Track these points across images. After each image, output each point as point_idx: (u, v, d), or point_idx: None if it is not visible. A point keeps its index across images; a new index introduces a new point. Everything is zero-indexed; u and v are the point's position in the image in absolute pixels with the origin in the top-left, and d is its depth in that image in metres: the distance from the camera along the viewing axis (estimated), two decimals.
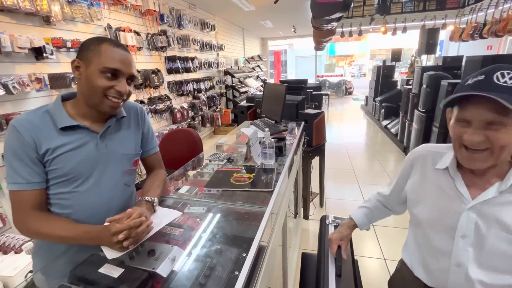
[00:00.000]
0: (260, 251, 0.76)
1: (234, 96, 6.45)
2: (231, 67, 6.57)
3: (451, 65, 4.08)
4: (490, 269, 0.68)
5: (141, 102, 3.33)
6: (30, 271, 1.80)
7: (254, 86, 7.23)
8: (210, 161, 1.40)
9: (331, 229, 1.22)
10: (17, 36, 1.85)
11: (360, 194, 2.99)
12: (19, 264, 1.75)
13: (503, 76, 0.58)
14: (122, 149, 0.90)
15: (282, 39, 11.35)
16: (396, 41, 10.30)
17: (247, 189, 1.05)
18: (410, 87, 4.08)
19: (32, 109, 0.83)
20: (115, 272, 0.67)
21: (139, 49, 3.19)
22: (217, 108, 5.79)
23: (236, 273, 0.66)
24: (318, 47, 7.22)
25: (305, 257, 1.39)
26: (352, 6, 6.27)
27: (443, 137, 3.00)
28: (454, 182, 0.72)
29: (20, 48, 1.87)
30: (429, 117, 3.32)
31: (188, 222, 0.89)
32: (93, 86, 0.77)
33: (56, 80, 2.19)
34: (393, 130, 5.00)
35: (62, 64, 2.32)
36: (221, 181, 1.10)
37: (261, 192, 1.03)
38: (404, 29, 6.84)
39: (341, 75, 12.56)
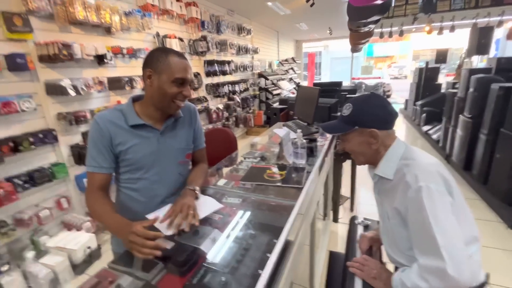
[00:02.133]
0: (289, 242, 0.85)
1: (267, 98, 6.57)
2: (265, 69, 6.71)
3: (506, 67, 3.71)
4: (389, 242, 0.91)
5: None
6: (88, 247, 2.10)
7: (287, 89, 7.28)
8: (244, 158, 1.52)
9: (360, 229, 1.25)
10: (85, 45, 2.17)
11: None
12: (80, 240, 2.04)
13: (345, 108, 0.93)
14: (176, 144, 1.06)
15: (317, 41, 11.20)
16: (443, 41, 9.55)
17: (279, 184, 1.14)
18: (456, 90, 3.80)
19: (94, 107, 1.05)
20: (168, 245, 0.81)
21: None
22: (250, 109, 5.96)
23: (268, 255, 0.75)
24: (355, 48, 7.02)
25: (332, 256, 1.43)
26: (393, 5, 5.98)
27: (492, 146, 2.77)
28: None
29: (87, 55, 2.19)
30: (476, 123, 3.07)
31: (226, 210, 1.01)
32: (165, 93, 0.92)
33: (114, 83, 2.50)
34: (434, 137, 4.68)
35: (118, 68, 2.64)
36: (255, 176, 1.21)
37: (291, 188, 1.11)
38: (452, 28, 6.33)
39: (379, 78, 11.98)
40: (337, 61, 16.31)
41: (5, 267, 1.75)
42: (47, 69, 2.03)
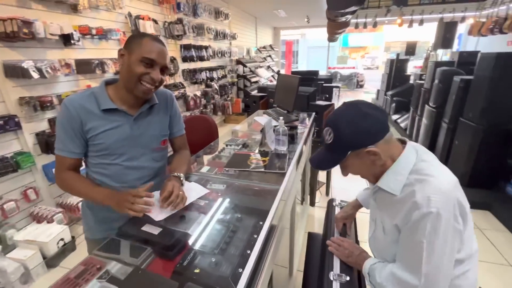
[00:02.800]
0: (273, 226, 0.89)
1: (245, 86, 6.52)
2: (243, 56, 6.61)
3: (467, 61, 4.02)
4: (377, 250, 0.90)
5: None
6: (61, 239, 2.01)
7: (265, 76, 7.26)
8: (226, 145, 1.52)
9: (337, 210, 1.33)
10: (49, 23, 1.98)
11: (366, 185, 3.08)
12: (52, 232, 1.95)
13: (326, 133, 0.80)
14: (151, 131, 1.03)
15: (294, 29, 11.19)
16: (413, 34, 10.03)
17: (262, 170, 1.17)
18: (423, 82, 4.06)
19: (61, 92, 1.00)
20: (155, 230, 0.81)
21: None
22: (228, 97, 5.89)
23: (255, 236, 0.79)
24: (332, 38, 7.15)
25: (311, 236, 1.52)
26: None
27: (452, 133, 3.03)
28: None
29: (51, 34, 2.01)
30: (439, 113, 3.34)
31: (211, 196, 1.02)
32: (132, 71, 0.89)
33: (82, 66, 2.33)
34: (402, 125, 5.01)
35: (87, 50, 2.46)
36: (239, 162, 1.23)
37: (274, 174, 1.15)
38: (421, 22, 6.67)
39: (353, 68, 12.37)
40: (314, 50, 16.49)
41: None
42: (5, 49, 1.84)
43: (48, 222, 2.07)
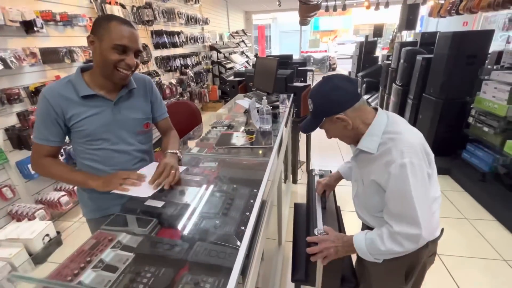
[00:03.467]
0: (264, 202, 0.98)
1: (220, 73, 6.45)
2: (216, 42, 6.48)
3: (428, 41, 4.32)
4: (360, 205, 1.02)
5: None
6: (47, 235, 1.97)
7: (239, 62, 7.21)
8: (212, 127, 1.58)
9: (316, 179, 1.46)
10: (8, 8, 1.84)
11: (343, 163, 3.30)
12: (36, 229, 1.89)
13: (309, 103, 0.94)
14: (132, 114, 1.04)
15: (266, 13, 11.09)
16: (380, 16, 10.40)
17: (250, 146, 1.25)
18: (390, 62, 4.32)
19: (28, 83, 0.99)
20: (158, 204, 0.87)
21: None
22: (204, 84, 5.81)
23: (252, 201, 0.87)
24: (303, 21, 7.22)
25: (296, 207, 1.65)
26: None
27: (416, 108, 3.31)
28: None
29: (11, 21, 1.87)
30: (405, 90, 3.61)
31: (205, 172, 1.08)
32: (106, 60, 0.89)
33: (49, 55, 2.20)
34: (373, 104, 5.31)
35: (52, 38, 2.31)
36: (227, 140, 1.30)
37: (262, 148, 1.23)
38: (387, 4, 6.95)
39: (325, 51, 12.63)
40: (286, 34, 16.48)
41: None
42: None
43: (29, 220, 2.00)
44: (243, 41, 8.58)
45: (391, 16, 11.73)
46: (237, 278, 0.58)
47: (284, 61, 3.52)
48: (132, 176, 0.92)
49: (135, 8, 3.38)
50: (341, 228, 1.07)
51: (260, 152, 1.22)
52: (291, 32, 14.53)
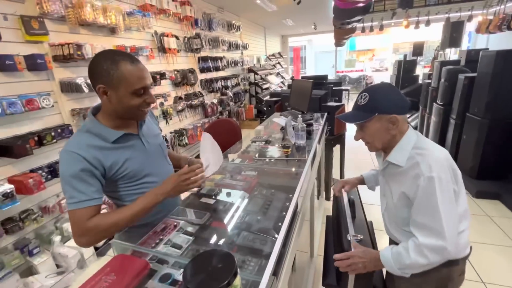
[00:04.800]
0: (296, 213, 1.11)
1: (257, 93, 6.81)
2: (254, 64, 6.92)
3: (474, 59, 4.12)
4: (389, 218, 1.04)
5: (179, 98, 3.78)
6: None
7: (275, 83, 7.54)
8: (252, 142, 1.77)
9: (345, 194, 1.52)
10: (94, 45, 2.32)
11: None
12: None
13: (360, 98, 0.96)
14: (157, 141, 1.06)
15: (302, 36, 11.50)
16: (421, 34, 10.08)
17: (286, 158, 1.41)
18: (430, 81, 4.21)
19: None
20: (210, 201, 1.06)
21: (178, 51, 3.63)
22: (242, 103, 6.19)
23: (287, 203, 1.02)
24: (339, 43, 7.37)
25: (328, 219, 1.73)
26: (373, 0, 6.33)
27: (460, 129, 3.17)
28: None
29: None
30: (447, 110, 3.48)
31: (247, 179, 1.26)
32: (128, 106, 0.85)
33: None
34: (413, 123, 5.12)
35: None
36: (266, 153, 1.47)
37: (297, 160, 1.38)
38: (428, 23, 6.80)
39: (362, 70, 12.49)
40: (321, 55, 16.71)
41: (37, 250, 1.93)
42: (61, 69, 2.17)
43: None
44: (279, 62, 8.98)
45: (434, 33, 11.29)
46: (275, 260, 0.72)
47: (319, 81, 3.67)
48: (197, 173, 0.88)
49: (186, 39, 3.88)
50: (372, 240, 1.13)
51: (295, 164, 1.37)
52: (327, 52, 14.71)
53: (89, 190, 0.81)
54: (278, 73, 8.62)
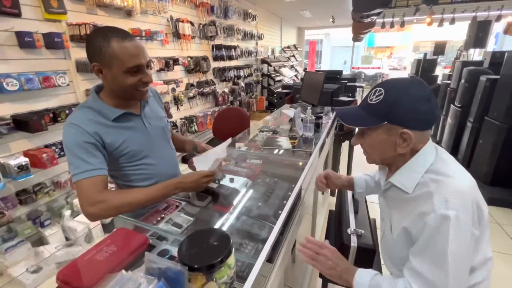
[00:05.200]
0: (300, 193, 1.10)
1: (269, 84, 6.75)
2: (268, 56, 6.84)
3: (499, 61, 3.92)
4: (386, 253, 0.82)
5: (191, 85, 3.79)
6: None
7: (288, 75, 7.45)
8: (260, 131, 1.77)
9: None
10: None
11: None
12: None
13: (373, 93, 0.71)
14: (160, 123, 1.05)
15: (319, 29, 11.24)
16: (444, 33, 9.66)
17: (292, 148, 1.40)
18: (449, 82, 4.05)
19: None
20: (213, 185, 1.07)
21: (193, 37, 3.63)
22: (253, 94, 6.16)
23: (289, 193, 1.02)
24: (357, 38, 7.16)
25: (331, 213, 1.72)
26: None
27: (476, 132, 3.05)
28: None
29: None
30: (464, 112, 3.35)
31: (251, 167, 1.26)
32: (123, 85, 0.83)
33: None
34: None
35: None
36: (272, 143, 1.47)
37: (303, 152, 1.37)
38: (452, 21, 6.50)
39: (378, 68, 12.15)
40: (338, 50, 16.34)
41: (48, 222, 2.01)
42: (77, 48, 2.21)
43: None
44: (293, 55, 8.84)
45: (458, 33, 10.79)
46: (271, 246, 0.72)
47: (333, 76, 3.61)
48: (211, 178, 0.92)
49: (201, 25, 3.87)
50: (373, 237, 1.11)
51: (300, 155, 1.36)
52: (343, 47, 14.37)
53: (94, 160, 0.82)
54: (292, 66, 8.50)
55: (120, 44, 0.79)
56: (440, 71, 7.41)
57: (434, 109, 0.66)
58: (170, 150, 1.11)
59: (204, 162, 0.97)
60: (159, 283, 0.43)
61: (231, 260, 0.52)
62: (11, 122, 1.79)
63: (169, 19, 3.21)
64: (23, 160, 1.81)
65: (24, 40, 1.82)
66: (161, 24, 3.12)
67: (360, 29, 5.12)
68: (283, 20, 8.26)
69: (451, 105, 3.69)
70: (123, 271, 0.46)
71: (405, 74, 10.07)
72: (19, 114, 1.84)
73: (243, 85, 5.41)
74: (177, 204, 0.96)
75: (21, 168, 1.78)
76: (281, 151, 1.42)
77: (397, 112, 0.66)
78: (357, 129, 0.82)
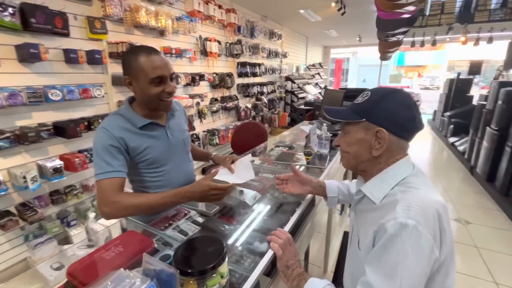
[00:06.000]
0: (309, 209, 1.09)
1: (292, 101, 6.80)
2: (292, 73, 6.94)
3: None
4: (348, 270, 0.78)
5: (215, 99, 3.95)
6: None
7: (312, 93, 7.45)
8: (275, 146, 1.78)
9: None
10: (145, 45, 2.56)
11: None
12: None
13: (361, 96, 0.73)
14: (182, 136, 1.13)
15: (345, 47, 11.23)
16: (482, 52, 9.14)
17: (305, 164, 1.39)
18: (485, 103, 3.79)
19: None
20: None
21: (219, 55, 3.82)
22: (275, 110, 6.22)
23: (296, 208, 1.01)
24: (384, 57, 7.05)
25: (345, 235, 1.65)
26: (427, 14, 5.92)
27: None
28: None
29: None
30: (502, 135, 3.09)
31: (262, 181, 1.28)
32: (148, 95, 0.92)
33: None
34: (460, 148, 4.64)
35: None
36: (286, 158, 1.47)
37: (316, 168, 1.36)
38: (490, 40, 6.15)
39: (407, 87, 11.72)
40: (365, 68, 16.11)
41: (74, 222, 2.15)
42: (114, 64, 2.44)
43: None
44: (318, 73, 8.88)
45: (497, 52, 10.15)
46: (268, 260, 0.72)
47: (355, 94, 3.57)
48: (220, 193, 0.88)
49: (228, 44, 4.07)
50: None
51: (314, 171, 1.35)
52: (371, 66, 14.14)
53: (115, 163, 0.89)
54: (316, 84, 8.51)
55: (145, 58, 0.90)
56: (477, 92, 6.96)
57: (414, 118, 0.67)
58: (188, 161, 1.18)
59: (226, 175, 1.00)
60: (151, 283, 0.45)
61: (224, 268, 0.53)
62: (51, 128, 1.99)
63: (198, 38, 3.43)
64: (58, 163, 1.98)
65: (70, 56, 2.04)
66: (190, 42, 3.34)
67: (386, 47, 5.05)
68: (309, 39, 8.41)
69: (487, 128, 3.43)
70: (122, 269, 0.49)
71: (437, 94, 9.58)
72: (59, 121, 2.04)
73: (266, 101, 5.51)
74: (186, 212, 0.99)
75: (56, 170, 1.95)
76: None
77: (377, 111, 0.68)
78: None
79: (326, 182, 1.03)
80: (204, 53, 3.55)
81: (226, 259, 0.54)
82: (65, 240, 2.16)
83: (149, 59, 0.90)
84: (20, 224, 1.88)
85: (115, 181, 0.88)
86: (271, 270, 0.72)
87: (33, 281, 1.82)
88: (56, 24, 1.91)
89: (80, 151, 2.21)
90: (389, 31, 2.52)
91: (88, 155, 2.24)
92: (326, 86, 8.89)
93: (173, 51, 2.94)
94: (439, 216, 0.59)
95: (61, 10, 1.93)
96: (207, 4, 3.38)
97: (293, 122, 6.58)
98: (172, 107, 1.07)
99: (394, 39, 3.52)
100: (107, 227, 2.22)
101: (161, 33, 2.84)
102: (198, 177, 1.30)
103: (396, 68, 16.79)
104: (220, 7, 3.64)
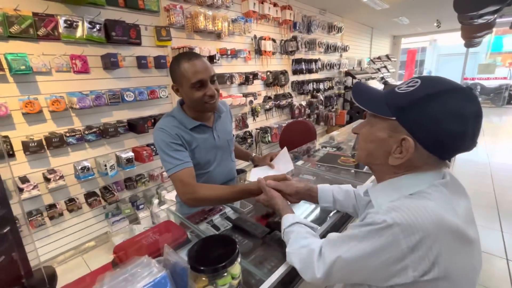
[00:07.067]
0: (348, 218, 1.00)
1: (351, 98, 6.35)
2: (353, 68, 6.46)
3: None
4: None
5: (269, 97, 3.99)
6: None
7: None
8: (322, 146, 1.70)
9: None
10: (203, 48, 2.76)
11: (498, 224, 2.45)
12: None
13: (407, 83, 0.57)
14: (227, 136, 1.18)
15: (421, 36, 9.83)
16: None
17: (351, 169, 1.29)
18: None
19: None
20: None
21: (273, 53, 3.83)
22: (333, 108, 5.91)
23: (331, 215, 0.94)
24: (470, 43, 5.91)
25: None
26: None
27: None
28: None
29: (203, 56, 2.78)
30: None
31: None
32: (193, 99, 0.97)
33: (218, 78, 3.05)
34: None
35: (223, 66, 3.20)
36: (330, 160, 1.39)
37: (362, 173, 1.24)
38: None
39: (505, 78, 9.55)
40: (446, 58, 13.79)
41: (142, 206, 2.49)
42: None
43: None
44: (385, 66, 8.03)
45: None
46: (288, 267, 0.68)
47: None
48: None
49: (283, 41, 4.04)
50: None
51: (360, 176, 1.23)
52: (454, 55, 12.05)
53: (181, 155, 0.98)
54: (382, 78, 7.73)
55: (186, 64, 0.94)
56: None
57: (464, 136, 0.50)
58: (230, 161, 1.24)
59: (263, 170, 1.06)
60: (163, 274, 0.49)
61: (236, 270, 0.54)
62: (126, 125, 2.34)
63: (252, 38, 3.51)
64: (130, 154, 2.32)
65: (141, 62, 2.36)
66: (245, 43, 3.45)
67: (471, 32, 4.20)
68: (374, 29, 7.67)
69: None
70: (146, 256, 0.55)
71: None
72: (131, 119, 2.39)
73: (322, 98, 5.28)
74: (221, 208, 1.04)
75: (128, 160, 2.29)
76: (339, 170, 1.32)
77: (415, 113, 0.52)
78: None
79: (319, 188, 0.90)
80: (259, 52, 3.61)
81: (239, 260, 0.55)
82: (135, 220, 2.53)
83: (189, 64, 0.94)
84: (102, 203, 2.27)
85: (186, 172, 0.95)
86: (292, 280, 0.70)
87: (111, 251, 2.20)
88: (130, 35, 2.22)
89: (148, 145, 2.54)
90: (471, 12, 2.07)
91: (154, 148, 2.55)
92: (386, 81, 7.95)
93: (229, 52, 3.08)
94: (439, 237, 0.46)
95: (135, 23, 2.24)
96: (262, 3, 3.41)
97: (351, 120, 6.14)
98: (219, 108, 1.10)
99: (481, 21, 2.90)
100: (167, 213, 2.50)
101: (218, 35, 3.01)
102: None
103: (489, 56, 13.85)
104: (275, 5, 3.63)
